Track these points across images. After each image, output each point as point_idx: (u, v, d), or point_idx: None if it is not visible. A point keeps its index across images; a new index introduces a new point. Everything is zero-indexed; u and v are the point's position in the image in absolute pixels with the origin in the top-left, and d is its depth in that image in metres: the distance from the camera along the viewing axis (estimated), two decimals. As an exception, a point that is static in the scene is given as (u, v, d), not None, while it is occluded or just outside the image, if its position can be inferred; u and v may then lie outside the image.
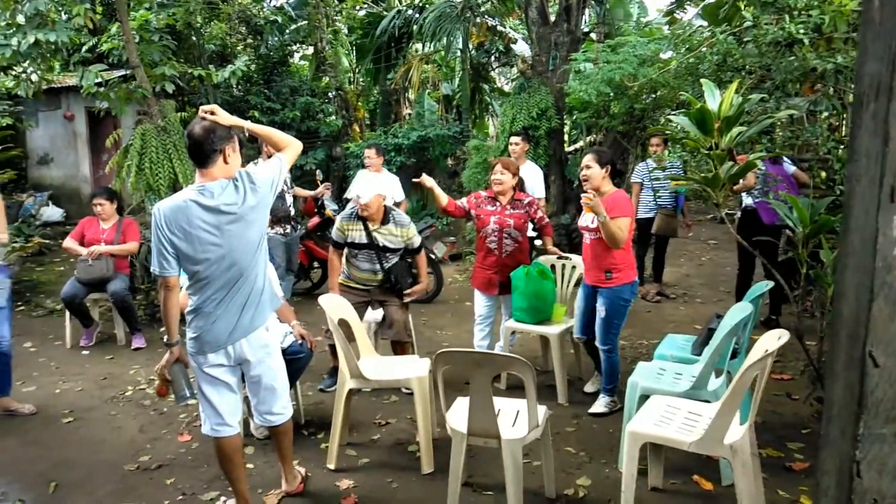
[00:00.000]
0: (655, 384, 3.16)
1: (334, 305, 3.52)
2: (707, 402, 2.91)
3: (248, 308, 2.61)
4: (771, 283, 3.56)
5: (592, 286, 3.78)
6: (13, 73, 8.77)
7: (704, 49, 4.94)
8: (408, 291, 4.13)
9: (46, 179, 11.18)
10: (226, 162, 2.55)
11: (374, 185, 4.19)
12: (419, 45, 12.57)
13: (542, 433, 2.74)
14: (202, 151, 2.51)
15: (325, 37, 11.00)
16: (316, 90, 11.03)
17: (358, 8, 13.11)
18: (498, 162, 4.25)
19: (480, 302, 4.32)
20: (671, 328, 5.35)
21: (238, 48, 10.69)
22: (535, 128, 7.15)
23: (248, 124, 2.68)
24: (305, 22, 11.21)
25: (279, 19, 10.99)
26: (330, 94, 11.27)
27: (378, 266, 4.11)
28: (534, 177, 5.71)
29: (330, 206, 6.81)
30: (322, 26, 10.86)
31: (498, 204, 4.17)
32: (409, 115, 12.51)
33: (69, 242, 5.37)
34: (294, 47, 12.29)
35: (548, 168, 7.21)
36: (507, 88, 14.31)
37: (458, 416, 2.75)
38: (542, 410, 2.74)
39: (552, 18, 7.72)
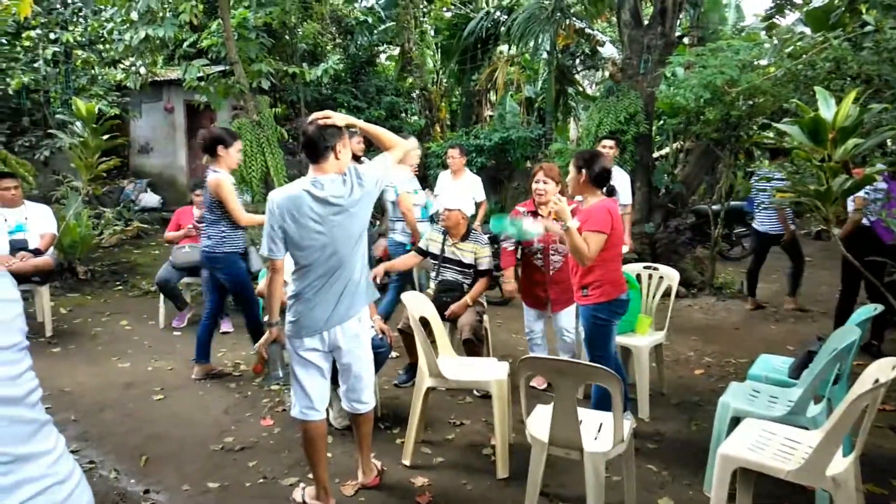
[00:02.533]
0: (749, 406, 2.99)
1: (416, 303, 3.54)
2: (805, 428, 2.73)
3: (345, 297, 2.72)
4: (880, 307, 3.31)
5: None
6: (123, 66, 9.37)
7: (809, 56, 4.66)
8: (448, 312, 4.12)
9: (146, 167, 11.86)
10: (336, 157, 2.69)
11: (458, 191, 4.25)
12: (505, 47, 12.52)
13: (625, 448, 2.65)
14: (315, 148, 2.67)
15: (412, 37, 11.14)
16: (400, 90, 11.19)
17: (445, 9, 13.21)
18: (539, 169, 3.94)
19: (530, 316, 4.21)
20: (761, 348, 5.07)
21: (328, 47, 10.99)
22: (622, 132, 6.96)
23: (361, 123, 2.83)
24: (394, 23, 11.40)
25: (369, 20, 11.22)
26: (414, 94, 11.41)
27: (436, 275, 4.31)
28: (621, 183, 5.56)
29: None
30: (410, 27, 11.01)
31: (540, 218, 3.80)
32: (491, 116, 12.49)
33: (169, 234, 5.65)
34: (381, 47, 12.53)
35: (634, 174, 7.01)
36: (591, 92, 14.06)
37: (538, 424, 2.70)
38: (626, 425, 2.65)
39: (645, 21, 7.50)
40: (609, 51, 11.52)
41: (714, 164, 7.68)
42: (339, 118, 2.72)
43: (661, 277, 4.26)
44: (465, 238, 4.31)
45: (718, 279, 7.09)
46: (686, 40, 9.62)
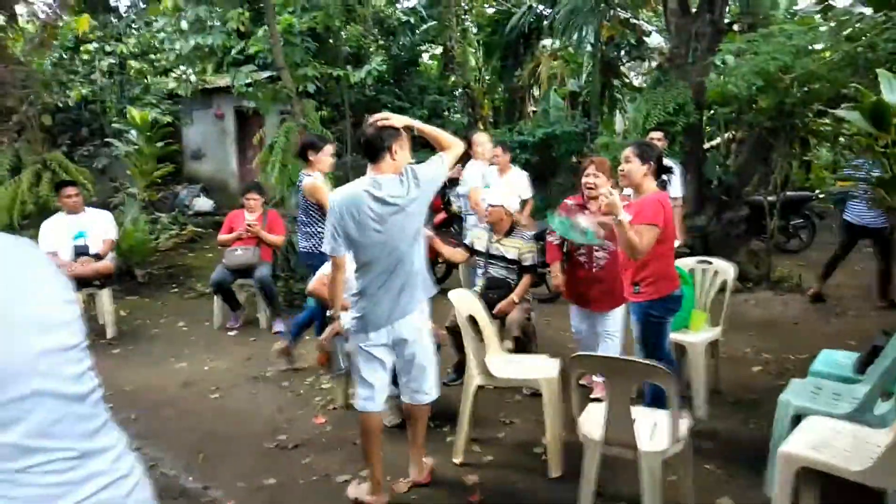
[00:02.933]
0: (811, 404, 2.87)
1: (463, 301, 3.53)
2: (872, 426, 2.61)
3: (406, 291, 2.81)
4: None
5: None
6: (174, 74, 9.67)
7: (869, 37, 4.44)
8: (496, 309, 4.08)
9: (199, 172, 12.21)
10: (393, 158, 2.77)
11: (501, 187, 4.24)
12: (548, 41, 12.39)
13: (682, 448, 2.58)
14: (373, 148, 2.76)
15: (454, 36, 11.15)
16: (443, 88, 11.22)
17: (487, 6, 13.16)
18: (590, 163, 3.83)
19: (576, 315, 4.11)
20: (822, 342, 4.86)
21: (371, 49, 11.10)
22: (671, 124, 6.79)
23: (417, 124, 2.90)
24: (436, 22, 11.42)
25: (411, 20, 11.27)
26: (456, 92, 11.42)
27: (483, 272, 4.33)
28: (673, 175, 5.42)
29: (456, 203, 6.87)
30: (452, 25, 11.02)
31: (587, 212, 3.68)
32: (535, 112, 12.39)
33: (222, 237, 5.79)
34: (424, 47, 12.57)
35: (684, 166, 6.83)
36: (637, 83, 13.77)
37: (591, 423, 2.65)
38: (683, 423, 2.58)
39: (693, 9, 7.30)
40: (655, 40, 11.27)
41: (768, 154, 7.41)
42: (398, 120, 2.79)
43: (715, 272, 4.14)
44: (508, 234, 4.31)
45: (776, 273, 6.84)
46: (736, 27, 9.32)
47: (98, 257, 5.48)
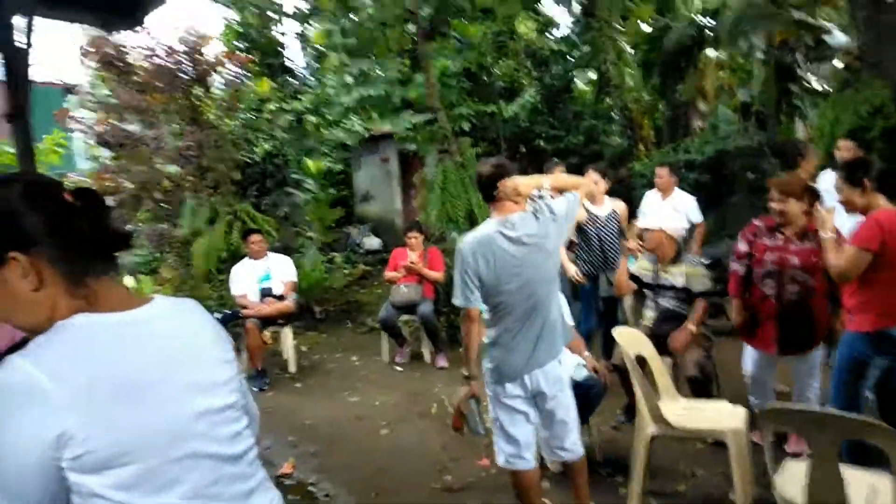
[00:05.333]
0: None
1: (631, 339, 3.31)
2: None
3: (543, 339, 2.62)
4: None
5: None
6: (343, 125, 10.45)
7: None
8: (670, 342, 3.72)
9: (368, 213, 12.98)
10: (515, 198, 2.63)
11: (663, 211, 3.94)
12: (712, 52, 11.63)
13: (912, 520, 2.15)
14: (493, 189, 2.63)
15: (609, 58, 10.87)
16: (599, 112, 10.94)
17: (642, 23, 12.70)
18: (771, 186, 3.37)
19: (751, 357, 3.59)
20: None
21: (523, 81, 11.17)
22: (865, 129, 5.98)
23: (547, 182, 2.72)
24: (589, 47, 11.23)
25: (563, 48, 11.19)
26: (613, 114, 11.08)
27: (653, 304, 3.98)
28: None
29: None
30: (605, 48, 10.76)
31: (780, 236, 3.32)
32: (702, 128, 11.62)
33: (388, 273, 6.08)
34: (576, 73, 12.41)
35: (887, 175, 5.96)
36: (818, 87, 12.40)
37: (791, 482, 2.31)
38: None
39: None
40: (838, 39, 10.09)
41: None
42: (525, 186, 2.62)
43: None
44: (675, 261, 3.94)
45: None
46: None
47: (281, 298, 5.96)
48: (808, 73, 12.87)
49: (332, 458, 4.09)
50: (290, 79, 11.63)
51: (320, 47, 11.17)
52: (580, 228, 4.91)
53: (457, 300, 2.64)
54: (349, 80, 7.31)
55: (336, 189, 8.45)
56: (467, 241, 2.62)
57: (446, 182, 6.55)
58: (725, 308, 5.29)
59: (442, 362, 5.79)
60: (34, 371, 0.94)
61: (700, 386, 3.61)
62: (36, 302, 1.03)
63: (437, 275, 5.94)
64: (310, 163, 7.45)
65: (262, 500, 1.17)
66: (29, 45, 3.46)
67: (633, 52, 12.52)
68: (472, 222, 6.92)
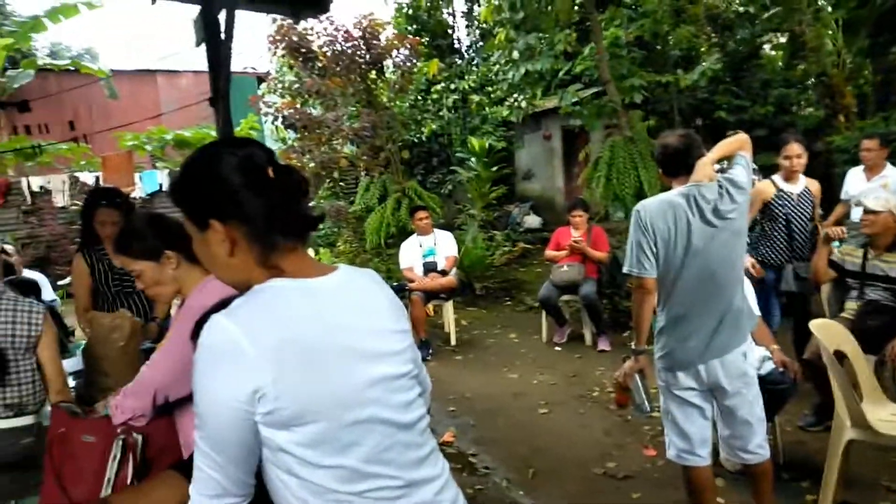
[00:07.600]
0: None
1: (830, 333, 2.92)
2: None
3: (724, 326, 2.36)
4: None
5: None
6: (507, 102, 10.40)
7: None
8: (889, 348, 3.13)
9: (528, 192, 12.89)
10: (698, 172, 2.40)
11: (880, 191, 3.40)
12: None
13: None
14: (680, 162, 2.43)
15: (805, 18, 9.66)
16: (791, 80, 9.81)
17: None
18: None
19: None
20: None
21: (703, 48, 10.31)
22: None
23: (713, 155, 2.46)
24: (780, 7, 10.06)
25: (751, 9, 10.15)
26: (809, 82, 9.88)
27: (857, 295, 3.51)
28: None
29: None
30: (801, 7, 9.57)
31: None
32: (922, 94, 9.97)
33: (549, 252, 5.98)
34: (765, 37, 11.20)
35: None
36: None
37: None
38: None
39: None
40: None
41: None
42: (702, 168, 2.40)
43: None
44: (893, 248, 3.44)
45: None
46: None
47: (444, 273, 6.11)
48: None
49: (490, 433, 4.12)
50: (458, 60, 11.80)
51: (486, 24, 11.17)
52: (765, 208, 4.31)
53: (631, 268, 2.43)
54: (515, 55, 7.22)
55: (497, 167, 8.46)
56: (649, 204, 2.44)
57: (614, 158, 6.25)
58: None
59: (604, 345, 5.59)
60: (235, 330, 1.01)
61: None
62: (232, 265, 1.12)
63: (602, 255, 5.72)
64: (474, 141, 7.53)
65: (434, 469, 1.17)
66: (230, 37, 3.82)
67: (834, 9, 11.02)
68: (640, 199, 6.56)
